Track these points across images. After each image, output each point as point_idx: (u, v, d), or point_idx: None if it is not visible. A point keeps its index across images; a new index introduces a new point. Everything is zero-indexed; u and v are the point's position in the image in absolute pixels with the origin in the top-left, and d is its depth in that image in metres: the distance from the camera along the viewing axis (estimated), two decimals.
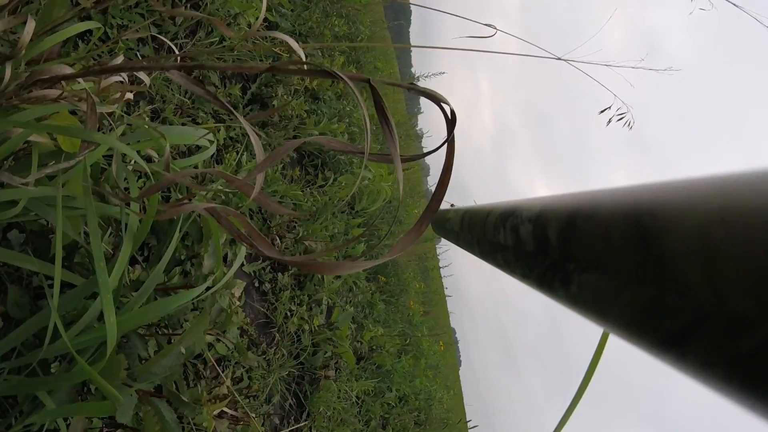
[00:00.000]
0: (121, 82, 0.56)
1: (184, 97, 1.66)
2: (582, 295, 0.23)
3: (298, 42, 0.68)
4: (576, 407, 0.38)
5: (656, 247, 0.17)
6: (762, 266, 0.13)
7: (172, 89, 1.62)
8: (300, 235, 2.12)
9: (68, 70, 0.45)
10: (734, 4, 0.91)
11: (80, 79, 0.48)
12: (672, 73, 1.32)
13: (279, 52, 2.08)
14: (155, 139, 0.56)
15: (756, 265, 0.13)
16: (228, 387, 0.86)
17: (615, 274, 0.20)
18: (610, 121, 1.26)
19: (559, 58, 0.83)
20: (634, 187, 0.21)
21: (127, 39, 1.33)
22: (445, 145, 0.37)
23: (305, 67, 0.38)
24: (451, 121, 0.37)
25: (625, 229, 0.20)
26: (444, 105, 0.37)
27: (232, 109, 0.37)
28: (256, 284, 1.84)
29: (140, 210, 0.58)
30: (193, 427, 0.81)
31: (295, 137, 2.33)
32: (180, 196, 1.14)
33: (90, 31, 1.21)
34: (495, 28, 0.80)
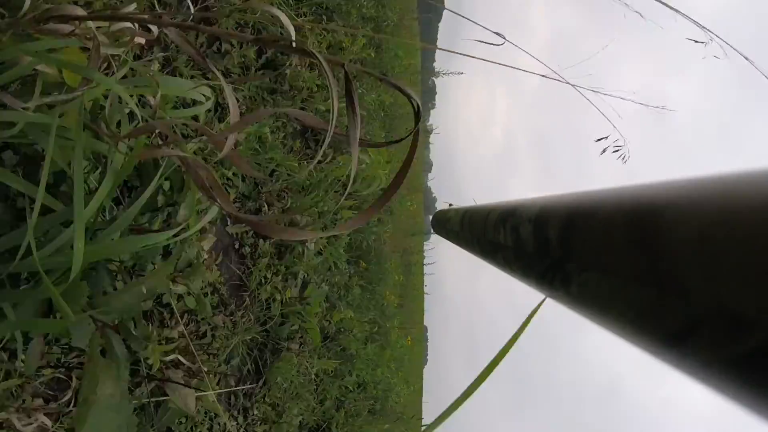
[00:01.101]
0: (130, 28, 0.57)
1: (198, 49, 1.67)
2: (582, 295, 0.23)
3: (295, 27, 0.70)
4: (481, 383, 0.39)
5: (656, 247, 0.17)
6: (762, 266, 0.13)
7: (188, 40, 1.62)
8: (288, 205, 2.13)
9: (80, 12, 0.46)
10: (746, 58, 0.92)
11: (89, 22, 0.49)
12: (664, 112, 1.32)
13: (301, 24, 2.08)
14: (153, 86, 0.58)
15: (756, 266, 0.13)
16: (180, 332, 0.88)
17: (615, 274, 0.20)
18: (604, 151, 1.27)
19: (566, 82, 0.85)
20: (634, 187, 0.21)
21: None
22: (411, 136, 0.39)
23: (292, 44, 0.40)
24: (416, 114, 0.39)
25: (625, 229, 0.20)
26: (412, 100, 0.39)
27: (216, 70, 0.38)
28: (237, 246, 1.85)
29: (129, 151, 0.60)
30: (147, 370, 0.83)
31: (302, 109, 2.34)
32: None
33: None
34: (503, 38, 0.81)
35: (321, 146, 2.58)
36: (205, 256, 0.87)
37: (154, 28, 0.54)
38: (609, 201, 0.22)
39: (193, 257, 0.69)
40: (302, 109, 2.33)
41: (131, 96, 0.52)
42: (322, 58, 0.38)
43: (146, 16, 0.43)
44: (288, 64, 2.10)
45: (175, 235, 0.54)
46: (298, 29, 2.37)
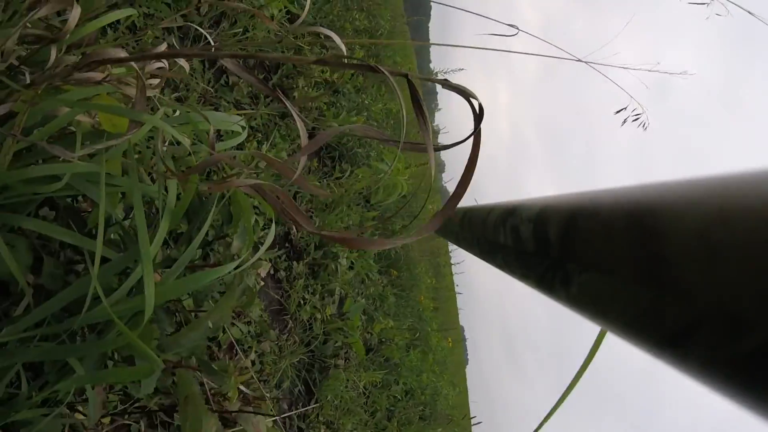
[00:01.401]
0: (162, 67, 0.59)
1: (207, 85, 1.70)
2: (582, 295, 0.23)
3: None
4: (562, 404, 0.39)
5: (656, 248, 0.17)
6: (762, 267, 0.13)
7: (195, 78, 1.66)
8: (316, 225, 2.15)
9: (123, 54, 0.48)
10: (749, 12, 0.91)
11: (132, 63, 0.50)
12: (686, 77, 1.32)
13: (302, 45, 2.10)
14: (194, 123, 0.59)
15: (756, 266, 0.13)
16: (252, 361, 0.89)
17: (615, 275, 0.20)
18: (625, 121, 1.27)
19: (578, 60, 0.85)
20: (635, 187, 0.21)
21: (155, 26, 1.36)
22: (472, 137, 0.39)
23: (346, 61, 0.41)
24: (478, 116, 0.39)
25: (625, 229, 0.20)
26: (473, 100, 0.39)
27: (283, 97, 0.39)
28: (272, 272, 1.87)
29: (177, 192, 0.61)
30: (212, 400, 0.84)
31: (314, 129, 2.37)
32: (213, 179, 1.17)
33: (119, 20, 1.24)
34: (517, 28, 0.81)
35: (340, 162, 2.58)
36: (262, 283, 0.88)
37: (186, 65, 0.55)
38: (609, 201, 0.22)
39: (252, 284, 0.70)
40: (314, 129, 2.36)
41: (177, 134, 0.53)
42: (387, 71, 0.39)
43: (196, 51, 0.45)
44: (295, 86, 2.12)
45: (237, 266, 0.55)
46: (298, 50, 2.40)
